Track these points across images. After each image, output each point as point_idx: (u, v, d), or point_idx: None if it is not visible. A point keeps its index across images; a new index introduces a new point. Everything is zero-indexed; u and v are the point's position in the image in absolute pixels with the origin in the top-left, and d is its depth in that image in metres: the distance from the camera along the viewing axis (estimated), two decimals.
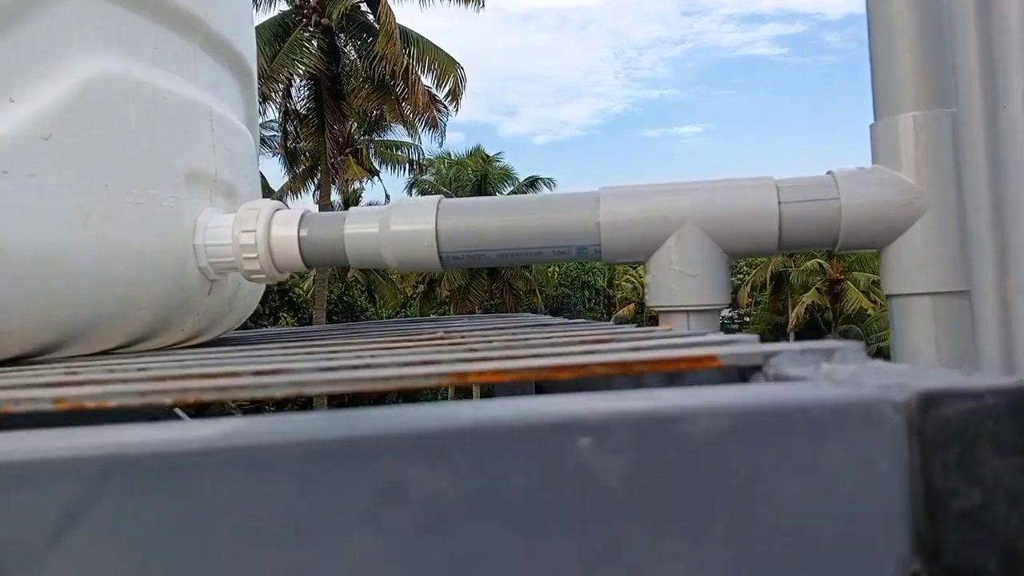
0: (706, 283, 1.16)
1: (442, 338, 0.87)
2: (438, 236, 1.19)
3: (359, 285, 24.49)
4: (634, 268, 39.87)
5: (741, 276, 35.74)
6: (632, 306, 33.01)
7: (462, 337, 0.90)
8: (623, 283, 35.58)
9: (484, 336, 0.90)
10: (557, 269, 32.20)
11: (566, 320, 1.32)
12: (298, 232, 1.22)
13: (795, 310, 29.20)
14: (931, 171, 1.11)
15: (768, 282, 31.03)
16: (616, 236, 1.17)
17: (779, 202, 1.14)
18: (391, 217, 1.21)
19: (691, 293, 1.16)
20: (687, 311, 1.17)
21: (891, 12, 1.14)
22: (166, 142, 1.13)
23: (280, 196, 20.97)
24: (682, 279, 1.16)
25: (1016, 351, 1.02)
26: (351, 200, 25.96)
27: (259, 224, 1.21)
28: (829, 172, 1.18)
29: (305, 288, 21.11)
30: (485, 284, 23.92)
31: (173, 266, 1.15)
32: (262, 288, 1.51)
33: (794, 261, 32.09)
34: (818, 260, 30.61)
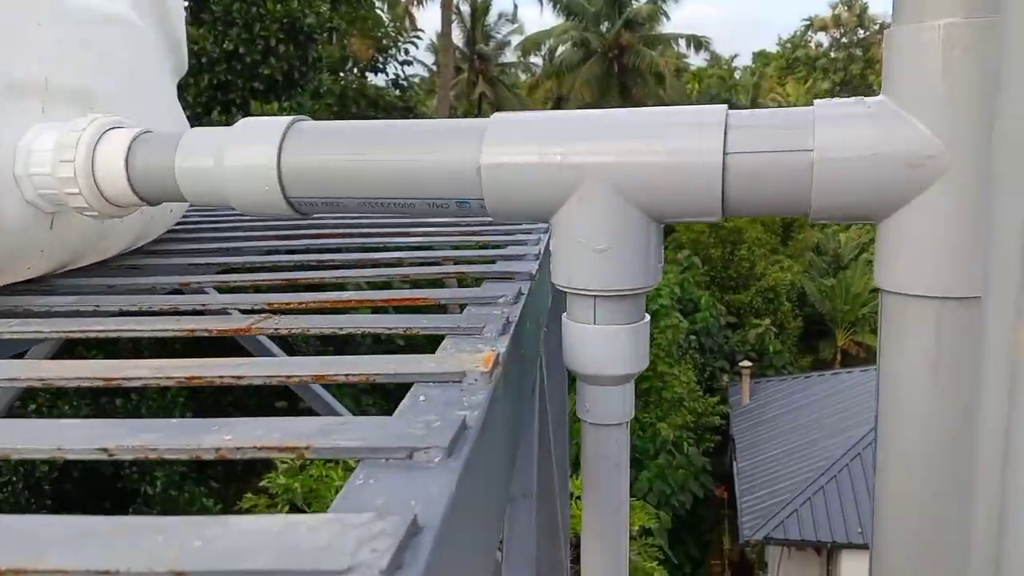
0: (618, 260, 0.85)
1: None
2: (281, 176, 0.92)
3: (487, 100, 23.99)
4: (781, 84, 36.78)
5: None
6: None
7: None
8: (768, 102, 33.18)
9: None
10: (697, 85, 30.26)
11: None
12: (126, 161, 0.98)
13: None
14: (960, 117, 0.72)
15: None
16: (502, 189, 0.86)
17: (724, 152, 0.79)
18: (227, 146, 0.94)
19: (596, 273, 0.85)
20: (593, 296, 0.87)
21: None
22: None
23: (406, 8, 20.31)
24: (585, 253, 0.85)
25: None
26: (480, 12, 24.83)
27: (79, 150, 0.98)
28: (812, 104, 0.81)
29: (432, 106, 20.87)
30: (616, 102, 22.80)
31: None
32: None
33: None
34: None
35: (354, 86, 15.70)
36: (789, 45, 40.10)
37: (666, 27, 25.15)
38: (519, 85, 27.61)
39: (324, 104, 11.83)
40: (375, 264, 1.19)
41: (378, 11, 16.82)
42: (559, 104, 23.87)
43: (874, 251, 0.83)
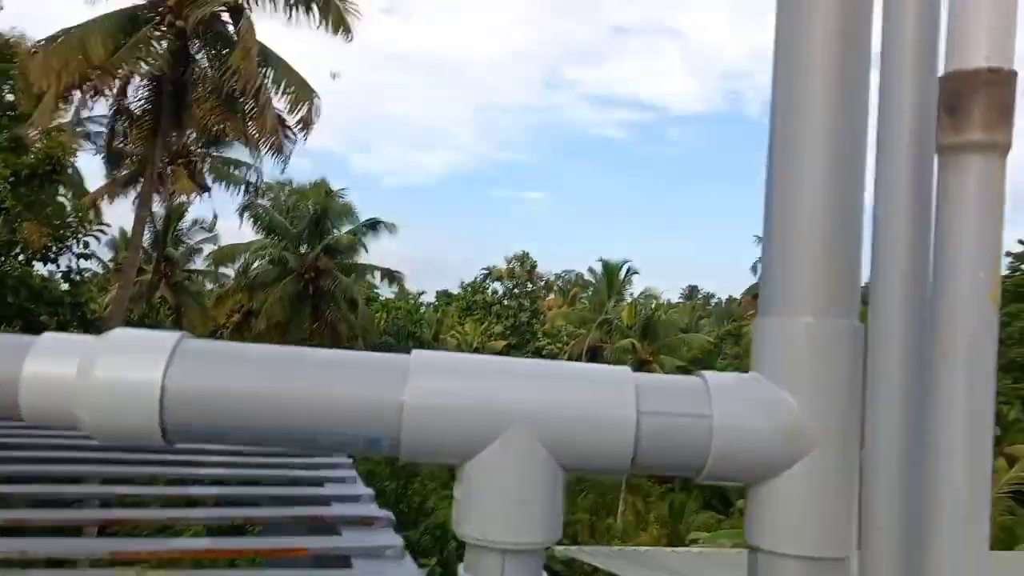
0: (536, 513, 0.85)
1: None
2: (164, 397, 0.81)
3: (166, 306, 22.68)
4: (461, 323, 39.86)
5: (560, 345, 36.58)
6: None
7: None
8: (448, 338, 35.44)
9: None
10: (385, 315, 31.53)
11: None
12: None
13: None
14: (826, 398, 0.88)
15: (583, 355, 31.93)
16: (423, 429, 0.84)
17: (638, 411, 0.86)
18: (99, 356, 0.82)
19: (512, 526, 0.85)
20: (503, 551, 0.85)
21: (799, 191, 0.91)
22: None
23: (94, 200, 19.23)
24: (503, 505, 0.85)
25: None
26: (174, 216, 24.25)
27: None
28: (700, 375, 0.93)
29: (103, 304, 19.21)
30: (307, 322, 22.87)
31: None
32: None
33: (610, 337, 33.28)
34: (631, 340, 31.91)
35: (15, 273, 14.08)
36: (469, 289, 43.94)
37: (363, 258, 26.38)
38: (205, 294, 26.68)
39: None
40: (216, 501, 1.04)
41: (62, 198, 15.62)
42: (248, 317, 23.33)
43: (745, 513, 0.94)
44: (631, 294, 39.14)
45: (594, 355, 31.53)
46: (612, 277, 37.18)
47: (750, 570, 0.92)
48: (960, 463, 0.74)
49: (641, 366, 28.58)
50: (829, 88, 0.87)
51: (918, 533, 0.83)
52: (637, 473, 0.90)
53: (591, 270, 40.79)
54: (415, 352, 0.89)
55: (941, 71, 0.78)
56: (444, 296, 44.65)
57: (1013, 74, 0.73)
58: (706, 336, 37.23)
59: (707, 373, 0.92)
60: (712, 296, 74.02)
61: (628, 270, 37.96)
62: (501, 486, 0.85)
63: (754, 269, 42.76)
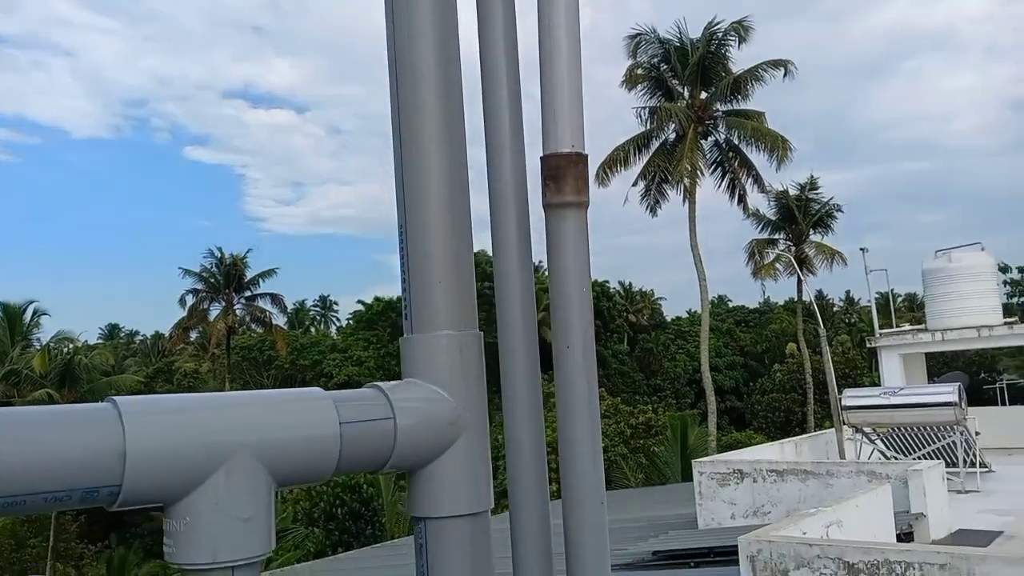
0: (258, 527, 0.91)
1: None
2: None
3: None
4: None
5: None
6: None
7: None
8: None
9: None
10: None
11: None
12: None
13: None
14: (468, 391, 1.13)
15: None
16: (147, 472, 0.83)
17: (340, 422, 0.99)
18: None
19: (240, 543, 0.90)
20: (232, 567, 0.90)
21: (428, 231, 1.14)
22: None
23: None
24: (231, 525, 0.89)
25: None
26: None
27: None
28: (375, 385, 1.09)
29: None
30: None
31: None
32: None
33: (18, 390, 28.82)
34: (47, 391, 28.17)
35: None
36: None
37: None
38: None
39: None
40: None
41: None
42: None
43: (408, 494, 1.13)
44: (39, 339, 34.37)
45: None
46: (15, 321, 32.10)
47: (417, 540, 1.12)
48: (580, 424, 1.07)
49: None
50: (442, 162, 1.12)
51: (546, 488, 1.14)
52: (338, 475, 1.02)
53: None
54: (120, 399, 0.87)
55: (536, 151, 1.11)
56: None
57: (586, 156, 1.09)
58: (135, 376, 34.82)
59: (380, 384, 1.09)
60: (136, 333, 69.31)
61: (35, 312, 33.24)
62: (228, 508, 0.89)
63: (182, 302, 41.51)
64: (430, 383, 1.12)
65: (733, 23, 29.84)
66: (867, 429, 13.96)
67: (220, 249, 41.05)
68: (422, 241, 1.13)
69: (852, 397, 14.23)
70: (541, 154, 1.10)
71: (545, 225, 1.10)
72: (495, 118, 1.18)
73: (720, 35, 30.05)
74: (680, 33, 30.59)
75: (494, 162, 1.17)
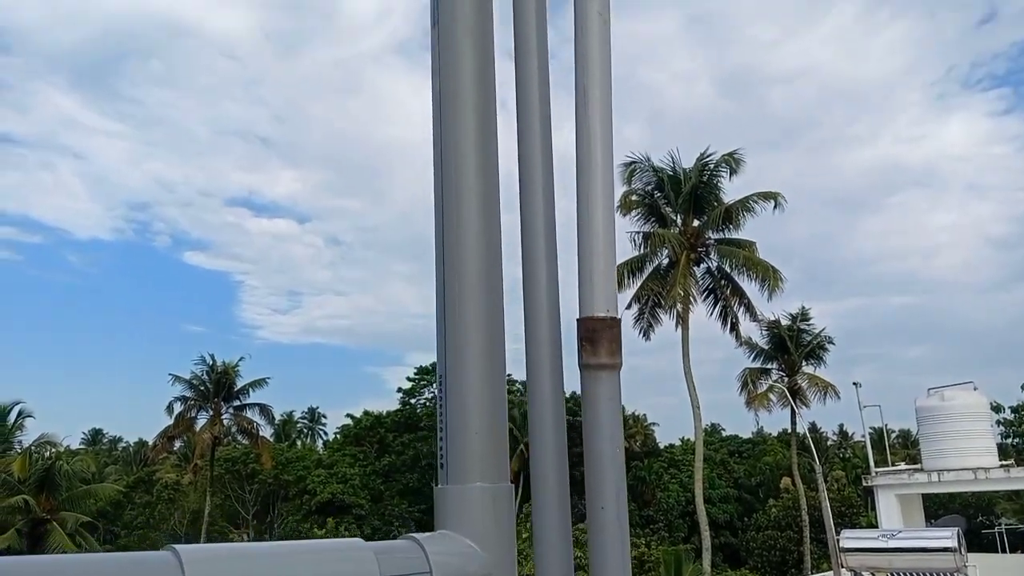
0: None
1: None
2: None
3: None
4: None
5: None
6: None
7: None
8: None
9: None
10: None
11: None
12: None
13: None
14: (500, 545, 1.16)
15: None
16: None
17: (381, 575, 1.02)
18: None
19: None
20: None
21: (466, 384, 1.20)
22: None
23: None
24: None
25: None
26: None
27: None
28: (411, 538, 1.12)
29: None
30: None
31: None
32: None
33: None
34: (24, 496, 27.38)
35: None
36: None
37: None
38: None
39: None
40: None
41: None
42: None
43: None
44: (20, 442, 33.68)
45: None
46: None
47: None
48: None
49: (35, 526, 24.55)
50: (480, 327, 1.20)
51: None
52: None
53: None
54: (181, 548, 0.90)
55: (575, 313, 1.19)
56: None
57: (619, 320, 1.17)
58: (114, 485, 33.90)
59: (416, 536, 1.13)
60: (120, 440, 67.93)
61: (20, 413, 32.72)
62: None
63: (170, 409, 40.93)
64: (463, 535, 1.15)
65: (724, 155, 31.01)
66: (866, 574, 13.57)
67: (212, 356, 40.90)
68: (461, 393, 1.19)
69: (850, 539, 13.91)
70: (577, 316, 1.18)
71: (581, 385, 1.16)
72: (533, 278, 1.27)
73: (712, 166, 31.17)
74: (673, 162, 31.74)
75: (530, 321, 1.25)
